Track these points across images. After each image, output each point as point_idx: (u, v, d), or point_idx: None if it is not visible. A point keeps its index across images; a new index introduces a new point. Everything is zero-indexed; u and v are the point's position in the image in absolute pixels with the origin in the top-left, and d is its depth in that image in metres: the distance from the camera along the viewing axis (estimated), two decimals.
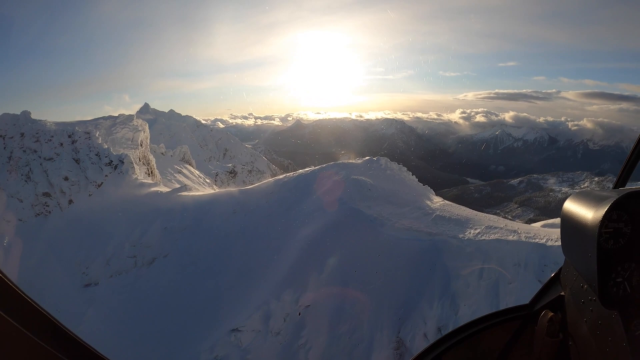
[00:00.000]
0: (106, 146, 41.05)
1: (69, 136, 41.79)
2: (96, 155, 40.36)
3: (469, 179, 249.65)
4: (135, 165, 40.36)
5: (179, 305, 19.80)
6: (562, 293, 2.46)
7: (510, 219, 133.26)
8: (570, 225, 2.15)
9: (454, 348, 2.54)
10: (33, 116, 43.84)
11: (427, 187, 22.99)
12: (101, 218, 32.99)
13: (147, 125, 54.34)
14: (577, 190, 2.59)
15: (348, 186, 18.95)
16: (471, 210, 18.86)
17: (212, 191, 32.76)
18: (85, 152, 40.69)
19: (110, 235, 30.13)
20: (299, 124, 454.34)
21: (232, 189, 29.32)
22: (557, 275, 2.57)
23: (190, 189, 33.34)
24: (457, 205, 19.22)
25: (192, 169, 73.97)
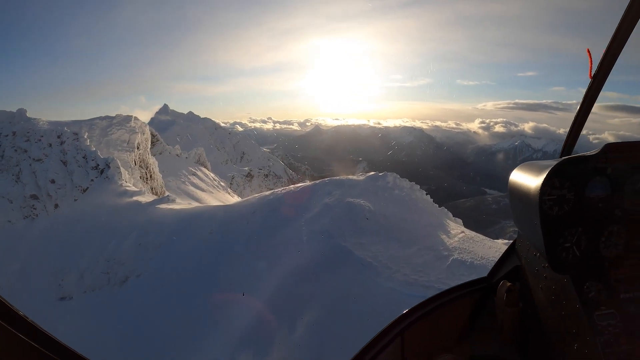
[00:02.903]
0: (93, 148, 38.07)
1: (58, 137, 39.03)
2: (83, 157, 37.44)
3: (486, 190, 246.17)
4: (122, 169, 37.31)
5: (140, 339, 16.84)
6: (519, 263, 2.47)
7: None
8: (516, 196, 2.21)
9: (416, 324, 2.47)
10: (50, 115, 41.69)
11: (443, 210, 19.03)
12: (82, 226, 30.04)
13: (147, 126, 51.57)
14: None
15: (339, 212, 14.85)
16: (500, 243, 15.01)
17: (191, 205, 29.22)
18: (73, 154, 37.84)
19: (87, 246, 27.20)
20: (317, 130, 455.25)
21: (212, 205, 25.73)
22: (513, 246, 2.59)
23: (173, 200, 29.90)
24: (482, 237, 15.22)
25: (206, 171, 71.11)
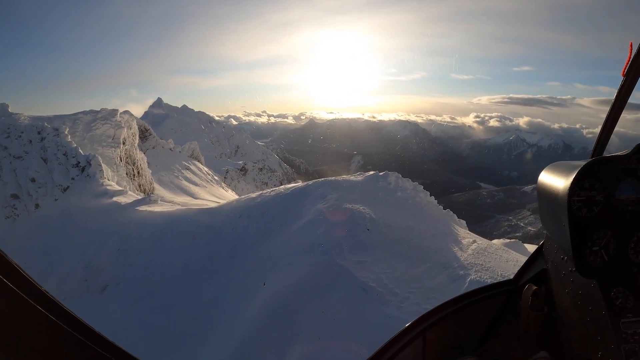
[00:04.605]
0: (74, 145, 36.24)
1: (38, 132, 37.17)
2: (64, 155, 35.62)
3: (481, 184, 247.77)
4: (105, 167, 35.54)
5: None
6: (546, 267, 2.38)
7: (522, 226, 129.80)
8: (545, 196, 2.14)
9: (439, 323, 2.37)
10: (39, 110, 39.88)
11: (448, 213, 17.37)
12: (62, 229, 28.26)
13: (134, 120, 49.83)
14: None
15: (336, 222, 12.85)
16: (515, 254, 13.37)
17: (173, 208, 27.28)
18: (53, 150, 36.01)
19: (66, 251, 25.42)
20: (312, 123, 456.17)
21: (195, 208, 23.94)
22: (540, 249, 2.49)
23: (155, 201, 28.05)
24: (494, 246, 13.44)
25: (200, 166, 70.61)
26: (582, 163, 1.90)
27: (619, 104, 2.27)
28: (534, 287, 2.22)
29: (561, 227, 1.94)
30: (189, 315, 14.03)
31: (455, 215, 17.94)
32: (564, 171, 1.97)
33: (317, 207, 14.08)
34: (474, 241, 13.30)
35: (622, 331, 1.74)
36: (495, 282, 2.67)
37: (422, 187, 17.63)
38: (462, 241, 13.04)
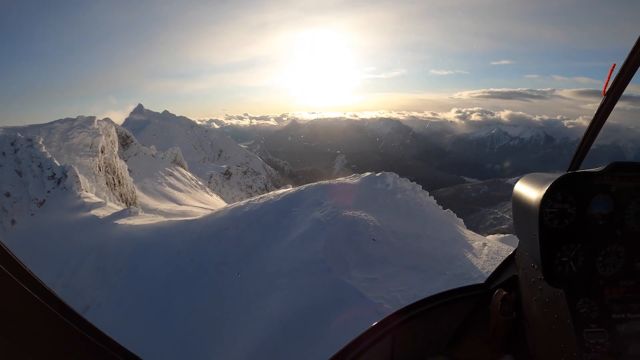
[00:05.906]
0: (49, 156, 34.53)
1: (12, 144, 35.34)
2: (38, 166, 33.91)
3: (465, 178, 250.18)
4: (82, 178, 33.87)
5: None
6: (516, 273, 2.47)
7: (508, 218, 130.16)
8: (519, 206, 2.16)
9: (408, 323, 2.47)
10: (13, 121, 38.07)
11: (449, 213, 16.40)
12: (39, 247, 26.54)
13: (114, 128, 48.17)
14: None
15: (336, 233, 11.37)
16: None
17: (156, 219, 25.75)
18: (27, 162, 34.26)
19: (44, 270, 23.65)
20: (294, 124, 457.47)
21: (178, 219, 22.51)
22: (512, 256, 2.57)
23: (136, 213, 26.48)
24: (504, 247, 12.47)
25: (183, 171, 69.50)
26: (557, 176, 1.93)
27: (598, 121, 2.31)
28: (504, 293, 2.28)
29: (532, 237, 1.97)
30: (173, 341, 12.72)
31: (454, 214, 16.95)
32: (538, 183, 2.00)
33: (313, 215, 12.59)
34: (485, 244, 12.16)
35: (585, 340, 1.78)
36: (467, 285, 2.73)
37: (421, 186, 16.55)
38: (473, 245, 11.89)
